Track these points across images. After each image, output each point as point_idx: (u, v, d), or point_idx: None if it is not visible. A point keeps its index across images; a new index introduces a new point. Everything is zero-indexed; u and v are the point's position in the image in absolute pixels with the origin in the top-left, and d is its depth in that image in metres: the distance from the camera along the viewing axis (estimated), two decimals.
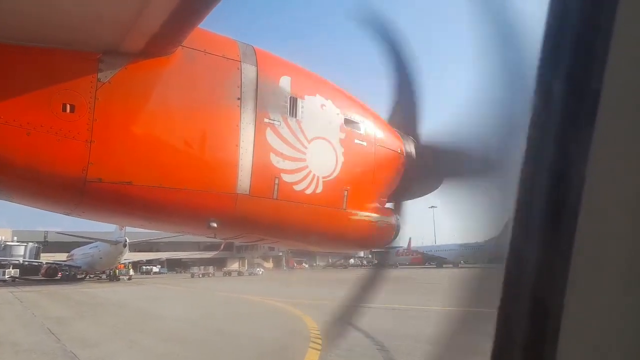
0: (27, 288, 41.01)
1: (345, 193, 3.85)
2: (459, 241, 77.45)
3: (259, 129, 3.35)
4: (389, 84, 4.70)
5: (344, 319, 4.59)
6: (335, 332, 5.07)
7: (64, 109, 2.70)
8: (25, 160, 2.68)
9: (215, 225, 3.34)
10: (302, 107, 3.61)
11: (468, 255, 74.17)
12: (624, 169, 0.89)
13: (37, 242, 68.97)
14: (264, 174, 3.37)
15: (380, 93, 5.07)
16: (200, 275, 67.20)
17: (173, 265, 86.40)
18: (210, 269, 71.25)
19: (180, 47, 3.05)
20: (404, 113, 4.73)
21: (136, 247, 59.22)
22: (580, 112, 0.95)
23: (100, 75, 2.80)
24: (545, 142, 1.01)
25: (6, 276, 54.00)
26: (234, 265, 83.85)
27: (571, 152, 0.96)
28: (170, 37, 2.90)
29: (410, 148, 4.50)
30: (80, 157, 2.72)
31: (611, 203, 0.91)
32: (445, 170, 4.49)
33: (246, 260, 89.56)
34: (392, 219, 4.39)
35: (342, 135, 3.86)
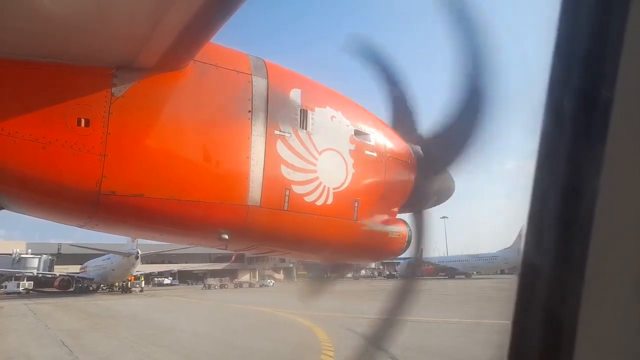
0: (41, 300, 41.32)
1: (356, 204, 3.85)
2: (471, 252, 76.77)
3: (270, 141, 3.38)
4: (384, 101, 5.04)
5: (377, 340, 4.31)
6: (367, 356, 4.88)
7: (79, 124, 2.74)
8: (40, 174, 2.72)
9: (226, 236, 3.36)
10: (313, 119, 3.64)
11: (480, 266, 73.43)
12: (637, 180, 0.89)
13: (51, 255, 69.70)
14: (275, 185, 3.38)
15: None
16: (217, 287, 67.29)
17: (184, 277, 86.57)
18: (227, 281, 71.68)
19: (192, 61, 3.10)
20: (402, 119, 4.84)
21: (147, 258, 59.53)
22: (593, 124, 0.95)
23: (114, 90, 2.85)
24: (558, 153, 1.01)
25: (20, 288, 54.55)
26: (245, 277, 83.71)
27: (584, 163, 0.95)
28: (183, 52, 2.95)
29: (420, 157, 4.49)
30: (94, 170, 2.76)
31: (625, 214, 0.90)
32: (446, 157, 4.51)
33: (257, 272, 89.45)
34: (403, 230, 4.37)
35: (352, 147, 3.87)
